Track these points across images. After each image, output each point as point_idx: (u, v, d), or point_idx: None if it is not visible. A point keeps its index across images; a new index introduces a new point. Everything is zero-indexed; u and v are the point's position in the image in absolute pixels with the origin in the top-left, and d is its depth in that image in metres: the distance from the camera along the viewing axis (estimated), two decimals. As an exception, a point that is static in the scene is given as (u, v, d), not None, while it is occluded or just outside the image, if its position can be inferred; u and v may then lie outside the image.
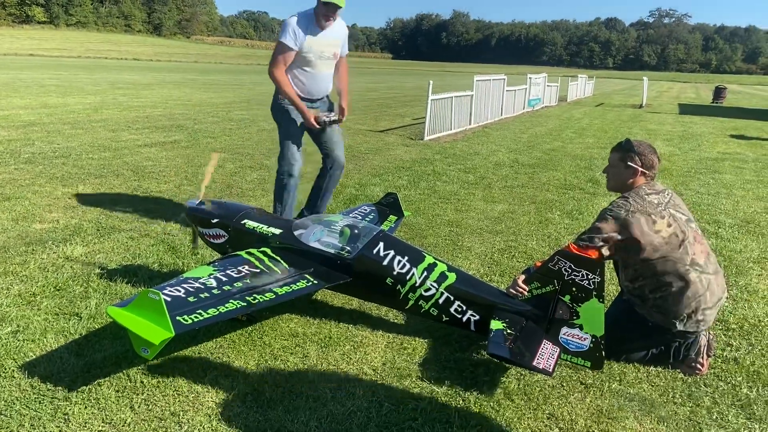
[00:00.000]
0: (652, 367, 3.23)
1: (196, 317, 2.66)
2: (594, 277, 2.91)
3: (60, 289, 3.84)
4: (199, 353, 3.12)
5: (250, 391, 2.80)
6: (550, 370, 2.78)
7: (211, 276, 3.05)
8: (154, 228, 5.22)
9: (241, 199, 6.45)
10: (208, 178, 4.16)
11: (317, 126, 4.96)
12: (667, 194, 3.25)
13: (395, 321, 3.62)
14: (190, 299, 2.79)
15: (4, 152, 8.00)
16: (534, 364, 2.79)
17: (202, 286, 2.93)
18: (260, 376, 2.93)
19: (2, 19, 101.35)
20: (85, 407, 2.60)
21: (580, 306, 2.98)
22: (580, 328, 2.99)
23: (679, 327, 3.11)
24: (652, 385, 3.08)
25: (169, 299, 2.71)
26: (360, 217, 4.42)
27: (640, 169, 3.23)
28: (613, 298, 3.68)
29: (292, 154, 5.11)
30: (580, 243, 3.13)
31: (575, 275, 2.96)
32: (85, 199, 6.00)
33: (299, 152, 5.14)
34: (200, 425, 2.53)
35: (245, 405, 2.69)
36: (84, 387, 2.73)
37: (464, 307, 3.22)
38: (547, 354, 2.89)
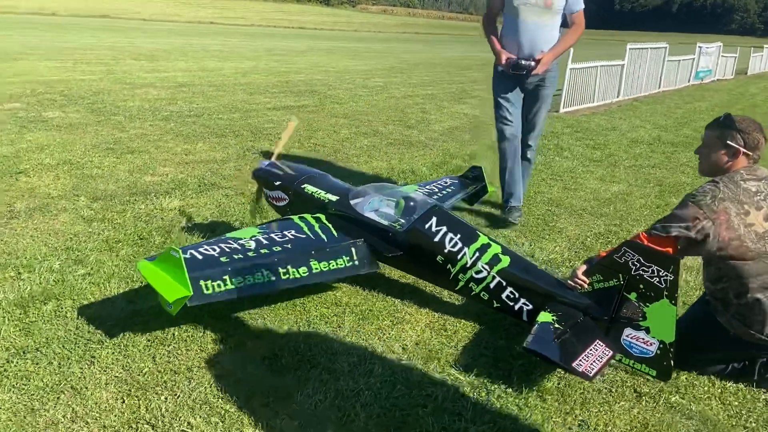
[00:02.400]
0: (732, 383, 2.75)
1: (218, 285, 2.67)
2: (666, 275, 2.51)
3: (143, 238, 4.09)
4: (236, 311, 3.15)
5: (269, 355, 2.77)
6: (591, 375, 2.45)
7: (253, 238, 3.05)
8: (251, 188, 5.39)
9: (344, 164, 6.47)
10: (281, 144, 4.16)
11: (507, 68, 4.45)
12: None
13: (447, 300, 3.41)
14: (223, 259, 2.80)
15: (148, 109, 8.72)
16: (574, 365, 2.47)
17: (240, 247, 2.93)
18: (285, 342, 2.89)
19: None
20: (113, 353, 2.73)
21: (648, 306, 2.59)
22: (647, 331, 2.61)
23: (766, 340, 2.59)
24: (723, 404, 2.61)
25: (199, 257, 2.74)
26: (437, 189, 4.22)
27: (742, 149, 2.69)
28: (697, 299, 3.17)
29: (500, 115, 4.70)
30: (653, 232, 2.69)
31: (644, 270, 2.56)
32: (199, 156, 6.36)
33: (510, 113, 4.65)
34: (208, 383, 2.55)
35: (259, 368, 2.67)
36: (121, 333, 2.87)
37: (516, 295, 2.94)
38: (594, 356, 2.55)
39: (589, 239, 4.53)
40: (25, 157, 5.83)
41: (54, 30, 26.25)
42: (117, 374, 2.59)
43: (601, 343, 2.60)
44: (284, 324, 3.08)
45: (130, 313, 3.07)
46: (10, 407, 2.33)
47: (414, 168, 6.41)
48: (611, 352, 2.60)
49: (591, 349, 2.57)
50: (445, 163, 6.72)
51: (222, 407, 2.41)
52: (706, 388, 2.71)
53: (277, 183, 3.77)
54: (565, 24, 4.59)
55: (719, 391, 2.70)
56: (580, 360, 2.49)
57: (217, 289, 2.65)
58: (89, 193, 4.92)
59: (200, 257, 2.76)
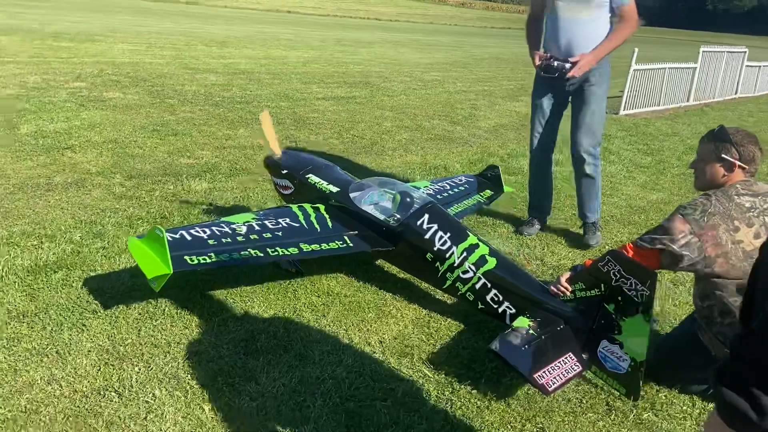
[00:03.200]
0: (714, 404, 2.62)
1: (203, 259, 2.77)
2: (642, 289, 2.42)
3: (163, 217, 4.27)
4: (229, 294, 3.26)
5: (247, 337, 2.86)
6: (550, 389, 2.39)
7: (246, 223, 3.14)
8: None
9: (377, 157, 6.51)
10: (269, 137, 3.94)
11: (539, 70, 4.12)
12: None
13: (439, 299, 3.40)
14: (210, 242, 2.90)
15: (203, 94, 9.03)
16: (535, 375, 2.42)
17: (230, 231, 3.03)
18: (266, 326, 2.97)
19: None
20: (103, 323, 2.88)
21: (624, 320, 2.51)
22: (620, 345, 2.53)
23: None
24: (698, 425, 2.50)
25: (188, 238, 2.85)
26: (449, 187, 4.20)
27: (737, 162, 2.55)
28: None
29: (532, 123, 4.44)
30: (639, 243, 2.60)
31: (623, 282, 2.49)
32: (237, 142, 6.55)
33: (539, 122, 4.37)
34: (182, 358, 2.67)
35: (234, 349, 2.76)
36: (116, 305, 3.03)
37: (501, 297, 2.91)
38: (561, 369, 2.50)
39: (606, 248, 4.39)
40: (75, 133, 6.18)
41: (138, 14, 27.44)
42: (101, 343, 2.74)
43: (573, 357, 2.54)
44: (271, 309, 3.16)
45: (129, 287, 3.23)
46: (-4, 365, 2.51)
47: (447, 164, 6.38)
48: (580, 368, 2.54)
49: (560, 361, 2.51)
50: (481, 160, 6.63)
51: (188, 382, 2.52)
52: (684, 407, 2.61)
53: (284, 172, 3.85)
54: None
55: (698, 411, 2.59)
56: (544, 371, 2.44)
57: (201, 262, 2.74)
58: (125, 172, 5.17)
59: (189, 238, 2.86)
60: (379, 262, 3.75)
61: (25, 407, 2.29)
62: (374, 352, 2.84)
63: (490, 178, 4.38)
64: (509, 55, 23.38)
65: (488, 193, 4.28)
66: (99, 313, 2.96)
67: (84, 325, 2.85)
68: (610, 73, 4.26)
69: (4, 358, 2.56)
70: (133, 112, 7.47)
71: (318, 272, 3.57)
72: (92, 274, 3.36)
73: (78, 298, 3.09)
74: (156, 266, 2.65)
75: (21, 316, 2.88)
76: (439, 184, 4.19)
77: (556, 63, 4.04)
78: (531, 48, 4.28)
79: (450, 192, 4.09)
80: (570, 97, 4.26)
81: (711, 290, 2.52)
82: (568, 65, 4.00)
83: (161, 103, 8.11)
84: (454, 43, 29.16)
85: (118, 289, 3.21)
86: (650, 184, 6.32)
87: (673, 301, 3.58)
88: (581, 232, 4.53)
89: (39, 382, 2.44)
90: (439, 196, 3.93)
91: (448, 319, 3.18)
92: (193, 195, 4.80)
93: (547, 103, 4.33)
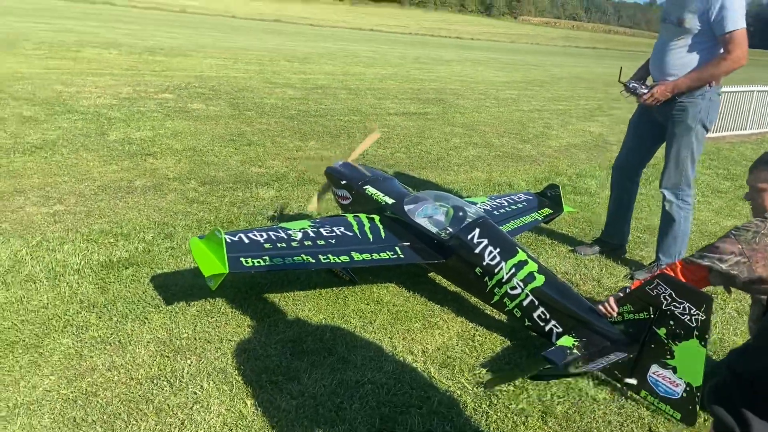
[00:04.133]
0: None
1: (258, 262, 2.91)
2: (698, 314, 2.36)
3: (230, 222, 4.50)
4: (282, 298, 3.39)
5: (294, 338, 2.97)
6: (559, 363, 2.45)
7: (302, 230, 3.27)
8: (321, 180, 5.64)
9: (442, 172, 6.55)
10: (360, 149, 4.32)
11: (624, 90, 3.99)
12: None
13: (488, 313, 3.40)
14: (267, 246, 3.04)
15: (279, 107, 9.38)
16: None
17: (286, 237, 3.16)
18: (314, 329, 3.08)
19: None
20: (164, 317, 3.08)
21: (677, 345, 2.45)
22: (674, 370, 2.47)
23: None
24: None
25: (246, 241, 3.00)
26: (507, 204, 4.19)
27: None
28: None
29: (622, 144, 4.36)
30: (689, 259, 2.55)
31: (675, 306, 2.43)
32: (308, 153, 6.77)
33: (627, 141, 4.27)
34: (231, 354, 2.81)
35: (281, 349, 2.87)
36: (177, 301, 3.22)
37: (548, 315, 2.90)
38: (596, 363, 2.52)
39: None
40: (159, 141, 6.58)
41: (228, 31, 28.79)
42: (159, 335, 2.92)
43: (610, 358, 2.52)
44: (321, 314, 3.26)
45: (191, 286, 3.42)
46: (64, 350, 2.73)
47: (512, 182, 6.34)
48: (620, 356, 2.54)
49: (597, 362, 2.52)
50: (548, 179, 6.54)
51: (234, 377, 2.64)
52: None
53: (343, 182, 3.97)
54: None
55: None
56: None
57: (256, 264, 2.87)
58: (200, 178, 5.47)
59: (247, 241, 3.01)
60: (431, 274, 3.78)
61: (86, 389, 2.49)
62: (416, 361, 2.89)
63: (550, 197, 4.34)
64: (589, 75, 22.91)
65: (547, 211, 4.24)
66: (161, 308, 3.15)
67: (146, 318, 3.05)
68: (712, 109, 3.81)
69: (72, 343, 2.78)
70: (213, 122, 7.86)
71: (370, 281, 3.65)
72: (159, 271, 3.58)
73: (144, 293, 3.30)
74: (213, 265, 2.80)
75: (91, 307, 3.11)
76: (497, 200, 4.19)
77: (632, 84, 3.94)
78: (640, 67, 4.15)
79: (507, 208, 4.09)
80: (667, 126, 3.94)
81: (763, 313, 2.42)
82: (643, 90, 3.85)
83: (240, 115, 8.49)
84: (535, 62, 28.86)
85: (180, 286, 3.41)
86: (726, 209, 6.04)
87: (734, 330, 3.42)
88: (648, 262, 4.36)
89: (100, 367, 2.63)
90: (495, 213, 3.94)
91: (494, 334, 3.18)
92: (260, 202, 5.01)
93: (642, 124, 4.13)
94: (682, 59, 3.73)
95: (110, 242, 3.93)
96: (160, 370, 2.66)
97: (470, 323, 3.29)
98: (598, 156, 8.04)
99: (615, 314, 2.68)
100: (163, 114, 8.01)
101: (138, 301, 3.21)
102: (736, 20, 3.49)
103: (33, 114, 7.22)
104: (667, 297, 2.45)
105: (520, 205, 4.21)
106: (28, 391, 2.45)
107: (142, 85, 10.04)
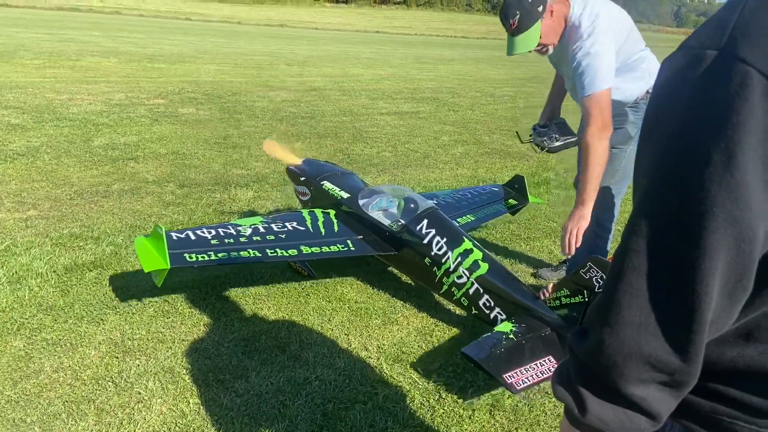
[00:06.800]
0: None
1: (202, 257, 2.89)
2: None
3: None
4: (243, 296, 3.37)
5: (248, 336, 2.95)
6: (517, 388, 2.33)
7: (252, 225, 3.25)
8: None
9: (427, 169, 6.51)
10: (283, 157, 4.20)
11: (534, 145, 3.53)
12: None
13: (451, 309, 3.36)
14: (213, 242, 3.03)
15: (270, 110, 9.39)
16: (504, 375, 2.36)
17: (234, 233, 3.14)
18: (269, 327, 3.05)
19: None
20: (119, 318, 3.06)
21: None
22: None
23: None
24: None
25: (192, 237, 2.98)
26: (470, 195, 4.18)
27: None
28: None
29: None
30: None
31: None
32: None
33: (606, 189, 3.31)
34: (182, 354, 2.79)
35: (233, 347, 2.85)
36: (136, 303, 3.21)
37: (492, 303, 2.89)
38: (535, 371, 2.43)
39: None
40: (143, 145, 6.60)
41: (231, 37, 28.96)
42: (112, 337, 2.91)
43: (552, 360, 2.46)
44: (280, 311, 3.24)
45: (152, 287, 3.41)
46: (14, 353, 2.72)
47: (497, 178, 6.29)
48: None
49: (536, 364, 2.45)
50: (534, 175, 6.50)
51: (182, 377, 2.62)
52: None
53: (302, 179, 3.97)
54: None
55: None
56: (516, 372, 2.38)
57: (200, 259, 2.85)
58: (179, 181, 5.47)
59: (193, 237, 3.00)
60: (396, 271, 3.76)
61: (29, 391, 2.47)
62: (369, 357, 2.85)
63: (515, 188, 4.31)
64: (594, 70, 22.73)
65: (512, 202, 4.20)
66: (118, 309, 3.15)
67: (102, 319, 3.04)
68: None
69: (24, 345, 2.78)
70: (201, 126, 7.88)
71: (333, 276, 3.63)
72: (121, 274, 3.58)
73: (104, 295, 3.30)
74: (155, 261, 2.79)
75: (48, 309, 3.11)
76: (461, 192, 4.18)
77: (536, 140, 3.46)
78: (547, 102, 3.71)
79: (471, 200, 4.07)
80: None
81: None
82: (555, 142, 3.43)
83: (229, 118, 8.51)
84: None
85: (141, 288, 3.40)
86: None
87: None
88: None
89: (47, 369, 2.62)
90: (457, 204, 3.93)
91: (453, 329, 3.14)
92: (237, 203, 5.00)
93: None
94: None
95: (79, 246, 3.93)
96: (108, 371, 2.64)
97: (431, 319, 3.25)
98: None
99: (548, 295, 2.68)
100: (152, 119, 8.04)
101: (96, 303, 3.20)
102: (593, 82, 2.71)
103: (20, 122, 7.27)
104: (599, 279, 2.46)
105: (485, 196, 4.19)
106: (-30, 393, 2.45)
107: (135, 92, 10.09)
